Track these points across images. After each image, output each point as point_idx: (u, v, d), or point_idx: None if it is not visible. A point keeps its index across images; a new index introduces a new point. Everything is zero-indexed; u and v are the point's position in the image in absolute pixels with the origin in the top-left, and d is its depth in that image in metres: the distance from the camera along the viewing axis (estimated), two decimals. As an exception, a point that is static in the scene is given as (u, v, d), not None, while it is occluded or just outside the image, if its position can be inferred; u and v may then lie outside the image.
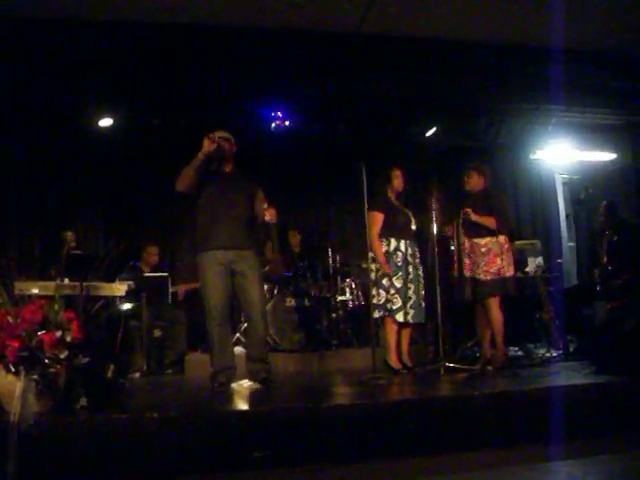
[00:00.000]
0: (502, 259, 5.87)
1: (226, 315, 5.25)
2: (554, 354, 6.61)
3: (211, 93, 7.62)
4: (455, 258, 6.06)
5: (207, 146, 5.10)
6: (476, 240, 5.94)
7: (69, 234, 7.27)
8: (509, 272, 5.92)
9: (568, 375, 5.23)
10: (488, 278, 5.82)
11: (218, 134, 5.26)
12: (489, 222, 5.91)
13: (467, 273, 5.94)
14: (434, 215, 5.91)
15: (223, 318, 5.19)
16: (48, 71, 6.69)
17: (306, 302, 7.68)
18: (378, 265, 5.86)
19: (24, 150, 7.90)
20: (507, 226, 6.08)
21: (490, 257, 5.85)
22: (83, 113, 7.72)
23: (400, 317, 5.81)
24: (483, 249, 5.88)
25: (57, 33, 6.27)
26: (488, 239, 5.91)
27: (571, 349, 6.71)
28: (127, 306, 6.97)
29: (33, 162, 8.05)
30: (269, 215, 5.19)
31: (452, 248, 6.28)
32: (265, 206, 5.20)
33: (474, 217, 5.89)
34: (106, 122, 7.84)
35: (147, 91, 7.48)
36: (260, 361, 5.28)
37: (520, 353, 6.84)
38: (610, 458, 3.64)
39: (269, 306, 7.11)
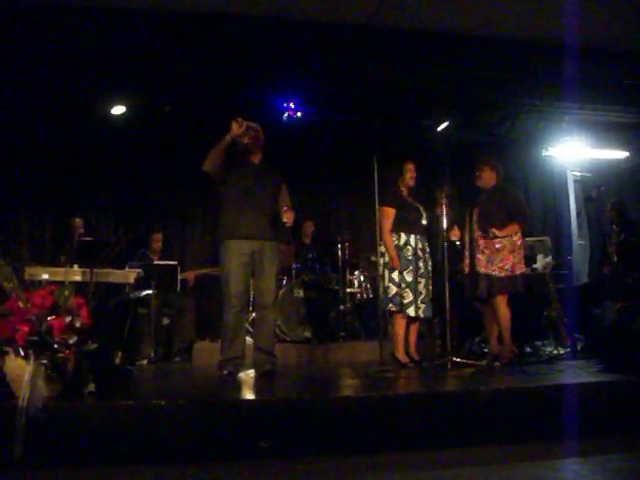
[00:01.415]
0: (514, 256, 5.86)
1: (244, 304, 5.31)
2: (562, 352, 6.60)
3: (223, 83, 7.62)
4: (466, 254, 6.05)
5: (235, 129, 5.12)
6: (491, 236, 5.91)
7: (77, 220, 7.33)
8: (520, 269, 5.90)
9: (575, 373, 5.22)
10: (502, 275, 5.80)
11: (251, 124, 5.30)
12: (512, 230, 5.88)
13: (481, 270, 5.86)
14: (444, 210, 5.90)
15: (241, 307, 5.23)
16: (61, 57, 6.70)
17: (314, 294, 7.68)
18: (388, 259, 5.86)
19: (36, 137, 7.92)
20: (528, 225, 6.06)
21: (504, 254, 5.83)
22: (96, 100, 7.74)
23: (412, 312, 5.82)
24: (497, 245, 5.85)
25: (71, 19, 6.26)
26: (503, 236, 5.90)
27: (579, 347, 6.69)
28: (136, 294, 7.00)
29: (45, 149, 8.07)
30: (287, 218, 5.21)
31: (457, 243, 6.27)
32: (285, 208, 5.23)
33: (500, 234, 5.84)
34: (118, 110, 7.86)
35: (159, 80, 7.48)
36: (267, 352, 5.30)
37: (528, 350, 6.82)
38: (617, 457, 3.63)
39: (277, 297, 7.13)
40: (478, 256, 5.91)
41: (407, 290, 5.83)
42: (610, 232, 7.17)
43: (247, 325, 7.05)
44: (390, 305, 5.85)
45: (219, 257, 5.34)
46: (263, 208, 5.28)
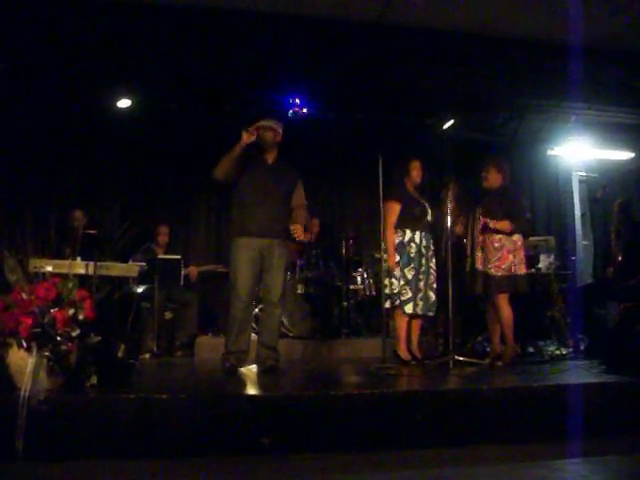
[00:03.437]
0: (514, 256, 5.84)
1: (251, 300, 5.38)
2: (564, 352, 6.59)
3: (229, 79, 7.62)
4: (468, 253, 6.04)
5: (245, 139, 5.14)
6: (489, 235, 5.91)
7: (77, 213, 7.34)
8: (520, 270, 5.88)
9: (578, 373, 5.22)
10: (499, 274, 5.78)
11: (264, 122, 5.34)
12: (505, 226, 5.86)
13: (479, 267, 5.89)
14: (449, 208, 5.89)
15: (248, 302, 5.30)
16: (67, 50, 6.70)
17: (318, 290, 7.68)
18: (387, 255, 5.86)
19: (43, 129, 7.93)
20: (521, 228, 6.01)
21: (503, 253, 5.81)
22: (102, 93, 7.74)
23: (409, 308, 5.82)
24: (496, 244, 5.84)
25: (79, 12, 6.26)
26: (502, 235, 5.88)
27: (582, 348, 6.68)
28: (140, 287, 7.01)
29: (51, 141, 8.08)
30: (297, 235, 5.30)
31: (465, 241, 6.26)
32: (292, 227, 5.29)
33: (493, 225, 5.83)
34: (124, 103, 7.85)
35: (166, 74, 7.48)
36: (270, 348, 5.34)
37: (530, 350, 6.81)
38: (617, 458, 3.62)
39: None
40: (477, 254, 5.92)
41: (406, 287, 5.83)
42: (615, 233, 7.16)
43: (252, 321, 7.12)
44: (392, 301, 5.85)
45: (229, 253, 5.39)
46: (274, 206, 5.32)
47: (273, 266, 5.30)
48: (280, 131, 5.49)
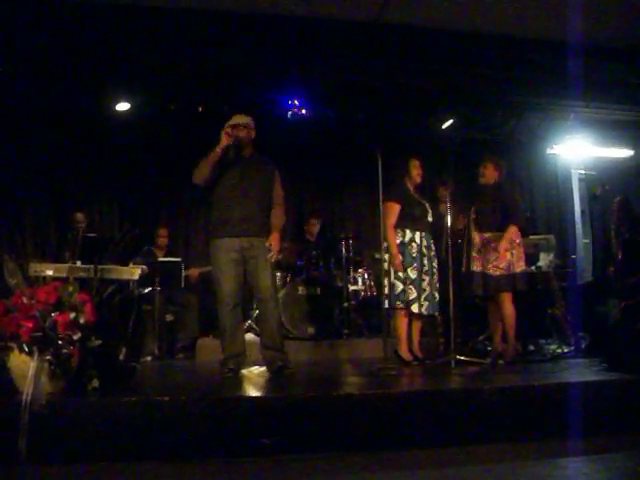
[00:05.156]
0: (512, 254, 5.82)
1: (237, 301, 5.28)
2: (566, 350, 6.58)
3: (228, 80, 7.61)
4: (464, 253, 6.03)
5: (225, 141, 5.13)
6: (487, 235, 5.90)
7: (79, 215, 7.31)
8: (519, 267, 5.87)
9: (579, 372, 5.22)
10: (497, 274, 5.77)
11: (237, 120, 5.31)
12: (510, 233, 5.80)
13: (478, 268, 5.88)
14: (448, 207, 5.89)
15: (235, 304, 5.23)
16: (65, 53, 6.70)
17: (318, 291, 7.68)
18: (391, 256, 5.85)
19: (41, 133, 7.93)
20: (518, 222, 6.00)
21: (500, 252, 5.80)
22: (101, 96, 7.74)
23: (415, 308, 5.82)
24: (493, 244, 5.83)
25: (76, 15, 6.26)
26: (498, 234, 5.87)
27: (583, 346, 6.67)
28: (140, 290, 7.01)
29: (50, 145, 8.08)
30: (273, 254, 5.25)
31: (459, 242, 6.26)
32: (267, 244, 5.23)
33: (495, 241, 5.81)
34: (123, 106, 7.85)
35: (164, 76, 7.47)
36: (274, 349, 5.25)
37: (531, 348, 6.81)
38: (619, 456, 3.62)
39: (281, 294, 7.12)
40: (474, 254, 5.92)
41: (411, 287, 5.83)
42: (616, 229, 7.15)
43: (251, 322, 7.11)
44: (397, 302, 5.84)
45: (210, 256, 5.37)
46: (252, 204, 5.26)
47: (259, 266, 5.21)
48: (253, 126, 5.42)
